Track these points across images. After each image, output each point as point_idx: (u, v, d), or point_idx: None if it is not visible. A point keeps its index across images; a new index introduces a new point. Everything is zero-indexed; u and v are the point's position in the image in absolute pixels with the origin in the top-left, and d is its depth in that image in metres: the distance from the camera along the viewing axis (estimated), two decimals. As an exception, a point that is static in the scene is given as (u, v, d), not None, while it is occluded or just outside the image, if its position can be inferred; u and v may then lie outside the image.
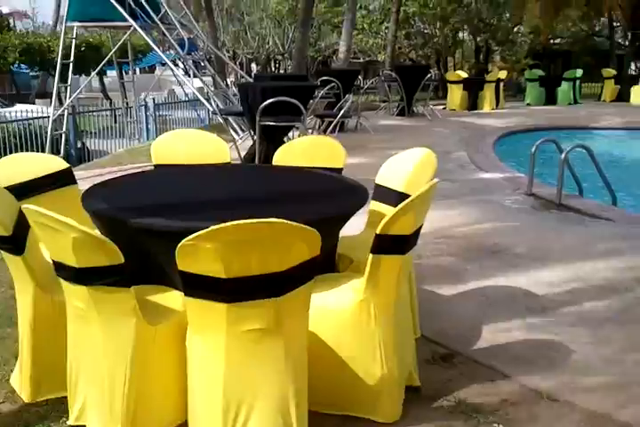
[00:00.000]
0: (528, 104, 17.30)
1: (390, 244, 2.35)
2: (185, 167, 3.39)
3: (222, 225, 1.86)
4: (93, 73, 13.14)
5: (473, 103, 15.62)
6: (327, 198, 2.80)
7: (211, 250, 1.90)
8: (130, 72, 13.28)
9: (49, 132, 10.02)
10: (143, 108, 13.46)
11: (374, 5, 22.44)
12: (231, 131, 8.81)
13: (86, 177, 7.47)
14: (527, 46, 23.61)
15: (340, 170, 3.48)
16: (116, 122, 13.45)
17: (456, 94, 15.61)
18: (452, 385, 2.74)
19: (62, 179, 3.26)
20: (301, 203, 2.72)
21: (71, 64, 10.49)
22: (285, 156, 3.60)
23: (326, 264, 2.82)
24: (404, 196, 3.03)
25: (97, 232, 2.15)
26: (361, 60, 25.40)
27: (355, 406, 2.46)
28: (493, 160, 8.73)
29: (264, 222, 1.90)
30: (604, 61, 25.35)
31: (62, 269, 2.19)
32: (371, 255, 2.36)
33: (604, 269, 4.28)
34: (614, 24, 24.33)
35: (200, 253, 1.92)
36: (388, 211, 3.17)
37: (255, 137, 5.93)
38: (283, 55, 26.41)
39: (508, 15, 22.62)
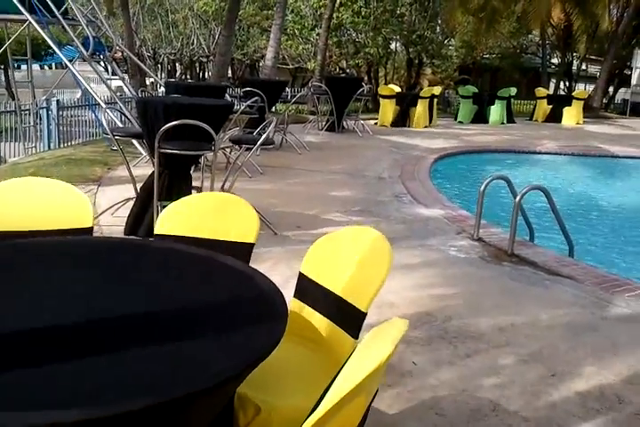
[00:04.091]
0: (460, 122, 16.70)
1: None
2: (15, 241, 2.26)
3: None
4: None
5: (405, 119, 14.83)
6: (219, 328, 1.71)
7: None
8: (23, 68, 11.78)
9: None
10: (45, 110, 12.03)
11: (306, 11, 21.48)
12: (137, 152, 7.63)
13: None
14: (458, 60, 23.25)
15: (250, 246, 2.45)
16: (22, 123, 11.97)
17: (388, 109, 14.78)
18: None
19: None
20: (172, 342, 1.63)
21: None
22: (174, 220, 2.53)
23: (216, 420, 1.78)
24: (340, 301, 2.03)
25: None
26: (290, 67, 24.42)
27: None
28: (431, 191, 7.88)
29: None
30: (533, 79, 25.34)
31: None
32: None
33: (585, 362, 3.40)
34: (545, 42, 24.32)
35: None
36: (315, 319, 2.17)
37: (154, 166, 4.81)
38: (207, 57, 25.11)
39: (439, 28, 22.16)
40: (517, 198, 5.31)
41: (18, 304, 1.79)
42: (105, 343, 1.59)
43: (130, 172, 5.19)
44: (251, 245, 2.41)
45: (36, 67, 23.94)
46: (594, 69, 27.37)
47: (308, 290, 2.18)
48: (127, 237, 3.16)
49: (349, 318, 1.97)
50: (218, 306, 1.80)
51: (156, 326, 1.70)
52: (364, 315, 1.95)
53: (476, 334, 3.68)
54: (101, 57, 10.54)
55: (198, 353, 1.55)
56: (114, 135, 5.10)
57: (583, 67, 26.26)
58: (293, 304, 2.24)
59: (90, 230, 2.51)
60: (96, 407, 1.28)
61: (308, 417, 1.33)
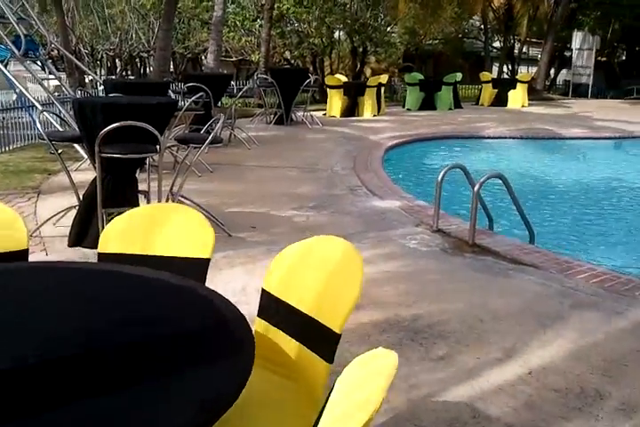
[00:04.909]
0: (408, 109, 16.67)
1: None
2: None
3: None
4: None
5: (354, 109, 14.69)
6: (173, 369, 1.48)
7: None
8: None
9: None
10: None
11: (247, 1, 21.09)
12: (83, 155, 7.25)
13: None
14: (402, 47, 23.21)
15: (205, 262, 2.23)
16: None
17: (336, 100, 14.61)
18: None
19: None
20: (118, 389, 1.41)
21: None
22: (118, 236, 2.30)
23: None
24: (309, 321, 1.84)
25: None
26: (233, 59, 24.00)
27: None
28: (386, 182, 7.75)
29: None
30: (475, 63, 25.52)
31: None
32: None
33: (560, 356, 3.30)
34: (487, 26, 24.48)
35: None
36: (284, 341, 1.97)
37: (96, 171, 4.51)
38: (148, 52, 24.48)
39: (382, 16, 22.05)
40: (476, 188, 5.20)
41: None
42: (35, 395, 1.37)
43: (70, 179, 4.88)
44: (206, 261, 2.21)
45: (-33, 68, 22.88)
46: (534, 52, 27.76)
47: (273, 309, 1.99)
48: (64, 260, 2.90)
49: (321, 340, 1.79)
50: (172, 341, 1.59)
51: (97, 368, 1.47)
52: (337, 336, 1.76)
53: (445, 333, 3.55)
54: (36, 56, 10.05)
55: (150, 403, 1.34)
56: (50, 140, 4.78)
57: (524, 50, 26.59)
58: (258, 324, 2.04)
59: (24, 253, 2.26)
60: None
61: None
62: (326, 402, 1.35)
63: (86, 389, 1.39)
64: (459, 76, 16.96)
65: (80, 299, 1.82)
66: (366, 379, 1.25)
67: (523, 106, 17.78)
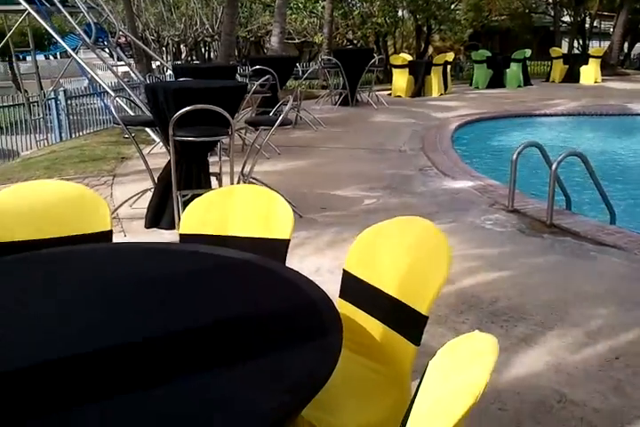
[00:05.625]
0: (476, 87, 16.28)
1: None
2: (29, 249, 2.05)
3: None
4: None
5: (419, 88, 14.45)
6: (263, 353, 1.46)
7: None
8: (29, 59, 11.53)
9: None
10: (53, 101, 11.79)
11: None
12: (152, 140, 7.37)
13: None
14: (468, 25, 22.64)
15: (285, 243, 2.21)
16: (31, 115, 11.76)
17: (401, 79, 14.40)
18: None
19: None
20: (208, 372, 1.40)
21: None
22: (198, 217, 2.31)
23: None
24: (395, 303, 1.79)
25: None
26: (296, 41, 23.93)
27: None
28: (456, 161, 7.59)
29: None
30: (545, 39, 24.65)
31: None
32: None
33: (648, 341, 3.16)
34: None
35: None
36: (368, 323, 1.93)
37: (170, 154, 4.56)
38: (212, 37, 24.70)
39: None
40: (554, 166, 5.02)
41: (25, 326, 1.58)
42: (126, 376, 1.38)
43: (145, 162, 4.96)
44: (286, 242, 2.18)
45: (41, 57, 23.67)
46: (606, 26, 26.61)
47: (356, 290, 1.95)
48: (150, 241, 2.95)
49: (408, 322, 1.74)
50: (262, 323, 1.58)
51: (187, 352, 1.47)
52: (424, 318, 1.72)
53: (526, 315, 3.45)
54: (105, 43, 10.26)
55: (241, 388, 1.32)
56: (125, 125, 4.86)
57: (595, 23, 25.51)
58: (340, 306, 2.01)
59: (109, 234, 2.30)
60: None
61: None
62: (419, 385, 1.31)
63: (181, 371, 1.39)
64: (528, 52, 16.43)
65: (168, 280, 1.83)
66: (466, 361, 1.20)
67: (596, 82, 17.10)
